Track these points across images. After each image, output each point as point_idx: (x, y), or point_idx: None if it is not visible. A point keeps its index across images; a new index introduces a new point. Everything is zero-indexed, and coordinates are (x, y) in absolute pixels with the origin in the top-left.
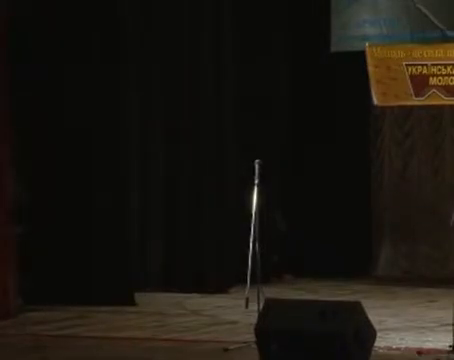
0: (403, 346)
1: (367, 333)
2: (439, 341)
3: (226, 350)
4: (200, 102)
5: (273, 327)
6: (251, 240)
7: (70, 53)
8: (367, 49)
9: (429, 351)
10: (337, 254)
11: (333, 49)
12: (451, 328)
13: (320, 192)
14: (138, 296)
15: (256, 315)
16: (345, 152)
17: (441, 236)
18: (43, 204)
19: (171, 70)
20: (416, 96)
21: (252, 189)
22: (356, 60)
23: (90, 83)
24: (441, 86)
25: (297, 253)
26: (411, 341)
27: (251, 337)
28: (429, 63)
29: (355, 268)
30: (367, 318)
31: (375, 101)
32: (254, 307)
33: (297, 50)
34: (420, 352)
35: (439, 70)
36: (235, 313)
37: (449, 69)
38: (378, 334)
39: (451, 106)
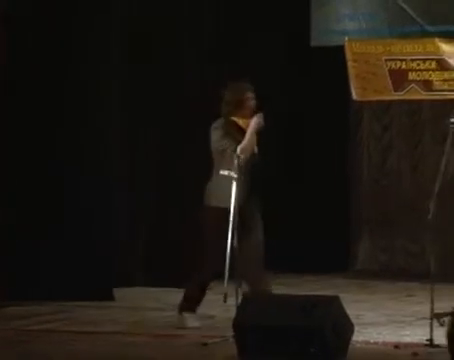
0: (381, 340)
1: (345, 327)
2: (416, 335)
3: (205, 345)
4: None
5: (251, 321)
6: (230, 235)
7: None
8: (346, 44)
9: (407, 345)
10: (316, 249)
11: (313, 43)
12: (428, 322)
13: (299, 187)
14: (117, 291)
15: (234, 310)
16: (324, 147)
17: (419, 230)
18: (24, 198)
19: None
20: (395, 91)
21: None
22: (336, 55)
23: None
24: (420, 81)
25: (276, 248)
26: (389, 335)
27: (229, 331)
28: (408, 58)
29: (333, 262)
30: (345, 312)
31: (354, 96)
32: (233, 302)
33: (277, 45)
34: (398, 346)
35: (418, 65)
36: (213, 308)
37: (428, 64)
38: (356, 328)
39: (430, 101)
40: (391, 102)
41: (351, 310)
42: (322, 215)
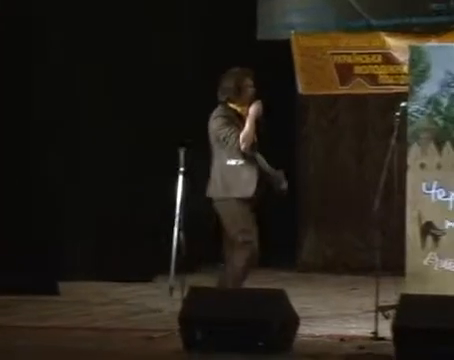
0: (326, 333)
1: (291, 321)
2: (361, 328)
3: (151, 338)
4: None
5: (197, 315)
6: (176, 228)
7: None
8: (293, 38)
9: (352, 338)
10: (262, 242)
11: (259, 37)
12: (373, 315)
13: None
14: (62, 285)
15: (180, 303)
16: (271, 141)
17: (364, 224)
18: None
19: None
20: (341, 85)
21: (177, 176)
22: (282, 49)
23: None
24: (366, 75)
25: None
26: (334, 328)
27: (175, 325)
28: (354, 52)
29: (280, 256)
30: (291, 306)
31: (300, 90)
32: (179, 295)
33: (223, 38)
34: (343, 339)
35: (364, 59)
36: (159, 301)
37: (374, 58)
38: (302, 321)
39: (375, 95)
40: (337, 96)
41: (297, 303)
42: (268, 208)
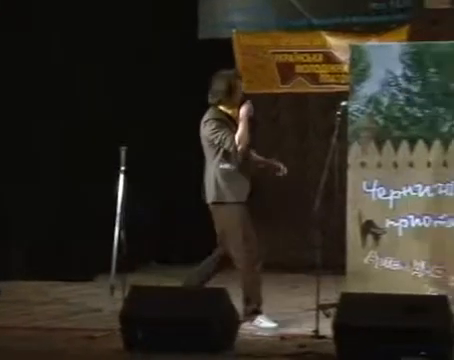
0: (267, 332)
1: (232, 319)
2: (302, 326)
3: (92, 338)
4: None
5: (138, 314)
6: (117, 227)
7: None
8: (234, 36)
9: (293, 337)
10: (203, 241)
11: (201, 36)
12: (313, 313)
13: (188, 178)
14: (1, 285)
15: (121, 303)
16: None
17: (305, 224)
18: None
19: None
20: (282, 84)
21: (118, 176)
22: (223, 47)
23: None
24: (307, 74)
25: (163, 240)
26: (277, 326)
27: (116, 325)
28: (295, 51)
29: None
30: (232, 305)
31: (242, 88)
32: (120, 295)
33: (165, 37)
34: (284, 337)
35: (305, 58)
36: (100, 301)
37: (315, 57)
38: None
39: (316, 94)
40: (278, 95)
41: (237, 302)
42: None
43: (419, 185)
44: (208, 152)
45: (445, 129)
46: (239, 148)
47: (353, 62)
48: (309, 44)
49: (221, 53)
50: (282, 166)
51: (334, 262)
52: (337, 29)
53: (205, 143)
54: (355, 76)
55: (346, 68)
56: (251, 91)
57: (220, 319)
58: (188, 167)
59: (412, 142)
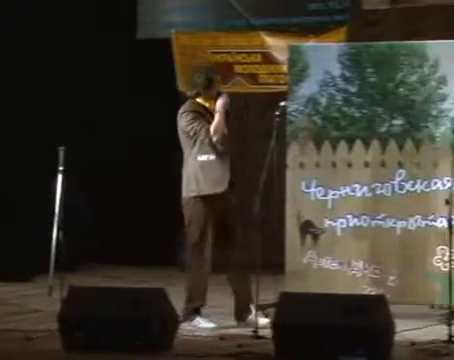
0: (206, 332)
1: (171, 319)
2: (241, 326)
3: (30, 339)
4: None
5: (77, 315)
6: (55, 227)
7: None
8: (173, 36)
9: (232, 337)
10: (144, 241)
11: (139, 36)
12: (253, 313)
13: (127, 179)
14: None
15: (60, 303)
16: (153, 139)
17: (246, 223)
18: None
19: None
20: (222, 84)
21: (56, 176)
22: (163, 47)
23: None
24: (246, 74)
25: (103, 240)
26: (215, 327)
27: (55, 325)
28: (234, 51)
29: (162, 255)
30: (171, 305)
31: (181, 88)
32: (58, 295)
33: (103, 37)
34: (223, 338)
35: (243, 58)
36: (39, 301)
37: (253, 57)
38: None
39: (255, 94)
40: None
41: (178, 302)
42: (151, 207)
43: (357, 185)
44: (185, 145)
45: (383, 129)
46: (214, 139)
47: (291, 62)
48: (248, 44)
49: (160, 53)
50: None
51: (273, 262)
52: (276, 29)
53: (182, 136)
54: (293, 76)
55: (285, 68)
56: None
57: (159, 319)
58: (129, 167)
59: (350, 142)
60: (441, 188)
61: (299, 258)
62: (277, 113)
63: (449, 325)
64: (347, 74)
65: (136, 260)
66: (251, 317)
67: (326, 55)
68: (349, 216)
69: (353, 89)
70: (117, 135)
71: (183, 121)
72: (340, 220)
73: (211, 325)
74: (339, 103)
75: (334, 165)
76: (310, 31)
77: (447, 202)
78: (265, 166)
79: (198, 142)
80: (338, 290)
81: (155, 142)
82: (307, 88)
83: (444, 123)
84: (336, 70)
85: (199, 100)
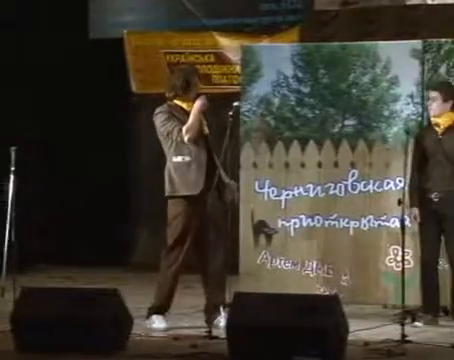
0: (159, 332)
1: (124, 320)
2: (195, 327)
3: None
4: None
5: (29, 316)
6: (7, 229)
7: None
8: (125, 36)
9: (186, 337)
10: (95, 241)
11: (92, 36)
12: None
13: (78, 179)
14: None
15: (12, 304)
16: (103, 139)
17: None
18: None
19: None
20: None
21: (8, 177)
22: (115, 47)
23: None
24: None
25: (54, 241)
26: (167, 327)
27: (7, 326)
28: (186, 51)
29: (114, 255)
30: (124, 305)
31: (134, 88)
32: (10, 296)
33: (55, 37)
34: (177, 338)
35: (197, 58)
36: None
37: (206, 57)
38: (135, 321)
39: (209, 94)
40: None
41: (131, 303)
42: (101, 207)
43: (310, 185)
44: (163, 145)
45: (335, 130)
46: (186, 138)
47: (244, 63)
48: (200, 44)
49: (113, 53)
50: (236, 194)
51: (228, 262)
52: (229, 30)
53: (160, 137)
54: (246, 77)
55: (238, 69)
56: (144, 91)
57: (112, 319)
58: (81, 168)
59: (303, 143)
60: (393, 188)
61: (253, 258)
62: (230, 113)
63: (402, 325)
64: (300, 75)
65: (88, 260)
66: (219, 319)
67: (279, 55)
68: (302, 216)
69: (306, 90)
70: (70, 135)
71: (157, 121)
72: (293, 220)
73: (164, 325)
74: (292, 104)
75: (287, 165)
76: (263, 31)
77: (400, 202)
78: (219, 166)
79: (173, 143)
80: (292, 290)
81: (108, 142)
82: (260, 88)
83: (396, 123)
84: (289, 70)
85: (177, 102)
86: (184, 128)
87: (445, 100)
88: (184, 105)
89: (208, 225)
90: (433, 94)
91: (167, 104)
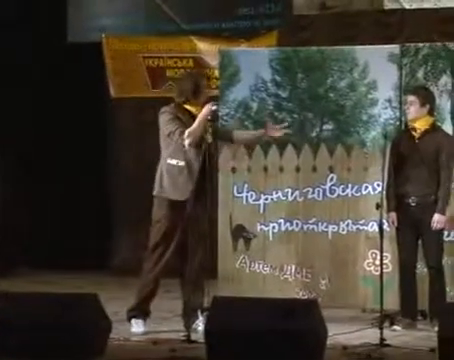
0: (137, 336)
1: (103, 324)
2: (174, 331)
3: None
4: None
5: (8, 320)
6: None
7: None
8: (103, 40)
9: (165, 341)
10: (75, 246)
11: (70, 40)
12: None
13: (58, 183)
14: None
15: None
16: (83, 143)
17: None
18: None
19: None
20: (153, 88)
21: None
22: (93, 51)
23: None
24: (177, 79)
25: (33, 245)
26: (144, 331)
27: None
28: (165, 55)
29: (93, 259)
30: (103, 310)
31: (112, 93)
32: None
33: (34, 41)
34: (156, 342)
35: (175, 63)
36: None
37: (185, 62)
38: (114, 325)
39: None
40: (150, 99)
41: (110, 307)
42: (81, 211)
43: (289, 189)
44: (162, 144)
45: (314, 134)
46: (187, 141)
47: (222, 67)
48: (179, 49)
49: (91, 57)
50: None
51: (207, 266)
52: (207, 34)
53: (161, 136)
54: (225, 81)
55: (217, 73)
56: (122, 95)
57: (90, 324)
58: (61, 171)
59: (281, 147)
60: (372, 192)
61: (232, 262)
62: (209, 117)
63: (381, 329)
64: (278, 79)
65: (68, 265)
66: (197, 323)
67: (257, 60)
68: (281, 220)
69: (284, 94)
70: (49, 138)
71: (161, 120)
72: (272, 224)
73: (142, 329)
74: (270, 108)
75: (266, 169)
76: (241, 36)
77: (378, 206)
78: (198, 169)
79: (173, 144)
80: (270, 294)
81: (87, 146)
82: (238, 93)
83: (374, 128)
84: (267, 75)
85: (187, 107)
86: (186, 132)
87: (423, 104)
88: (193, 109)
89: (189, 229)
90: (411, 98)
91: (174, 104)
